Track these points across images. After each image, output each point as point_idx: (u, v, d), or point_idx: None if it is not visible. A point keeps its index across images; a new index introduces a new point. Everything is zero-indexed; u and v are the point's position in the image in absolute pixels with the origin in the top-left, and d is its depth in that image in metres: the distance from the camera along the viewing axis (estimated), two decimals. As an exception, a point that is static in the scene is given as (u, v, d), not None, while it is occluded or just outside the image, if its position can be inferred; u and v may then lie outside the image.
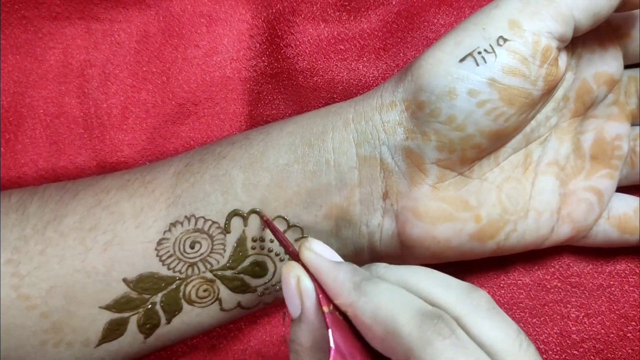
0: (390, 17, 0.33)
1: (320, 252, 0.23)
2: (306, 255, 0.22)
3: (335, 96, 0.33)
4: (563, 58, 0.27)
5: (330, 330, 0.20)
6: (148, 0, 0.33)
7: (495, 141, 0.26)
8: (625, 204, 0.30)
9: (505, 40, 0.25)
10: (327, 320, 0.20)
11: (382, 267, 0.22)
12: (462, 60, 0.25)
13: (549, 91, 0.27)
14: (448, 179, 0.27)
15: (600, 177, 0.29)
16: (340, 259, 0.23)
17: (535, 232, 0.28)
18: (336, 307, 0.22)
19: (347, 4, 0.33)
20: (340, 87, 0.33)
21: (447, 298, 0.21)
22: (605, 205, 0.30)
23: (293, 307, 0.22)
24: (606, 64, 0.29)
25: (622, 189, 0.31)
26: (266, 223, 0.26)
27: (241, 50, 0.33)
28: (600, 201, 0.29)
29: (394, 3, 0.33)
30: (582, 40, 0.29)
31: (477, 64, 0.25)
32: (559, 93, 0.29)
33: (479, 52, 0.25)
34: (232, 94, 0.33)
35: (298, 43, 0.33)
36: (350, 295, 0.21)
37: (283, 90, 0.33)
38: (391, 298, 0.21)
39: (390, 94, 0.27)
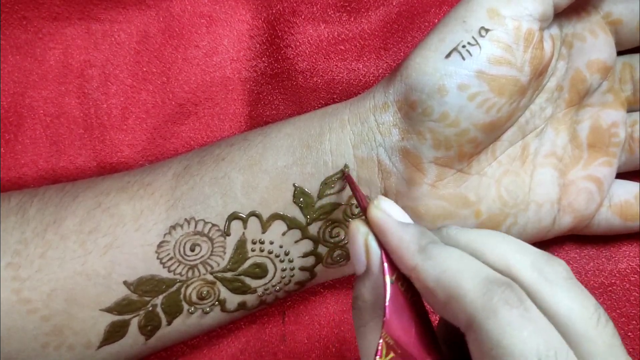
0: (391, 18, 0.33)
1: (388, 211, 0.21)
2: (374, 213, 0.21)
3: (335, 97, 0.33)
4: (548, 40, 0.27)
5: (387, 304, 0.20)
6: (148, 0, 0.33)
7: (490, 133, 0.26)
8: (625, 190, 0.30)
9: (486, 30, 0.25)
10: (387, 291, 0.20)
11: (453, 229, 0.21)
12: (447, 56, 0.25)
13: (536, 76, 0.27)
14: (447, 177, 0.27)
15: (598, 166, 0.29)
16: (409, 220, 0.22)
17: (536, 224, 0.28)
18: (400, 275, 0.21)
19: (347, 4, 0.33)
20: (340, 88, 0.33)
21: (521, 264, 0.20)
22: (606, 193, 0.30)
23: (359, 263, 0.21)
24: (598, 52, 0.29)
25: (622, 175, 0.31)
26: (347, 178, 0.26)
27: (241, 51, 0.33)
28: (600, 189, 0.29)
29: (394, 3, 0.33)
30: (572, 29, 0.29)
31: (463, 58, 0.25)
32: (552, 83, 0.29)
33: (463, 46, 0.25)
34: (232, 95, 0.33)
35: (298, 44, 0.33)
36: (414, 258, 0.20)
37: (283, 90, 0.33)
38: (457, 262, 0.19)
39: (382, 96, 0.27)
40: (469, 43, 0.25)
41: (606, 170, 0.30)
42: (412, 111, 0.26)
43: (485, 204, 0.27)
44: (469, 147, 0.26)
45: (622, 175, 0.31)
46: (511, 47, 0.25)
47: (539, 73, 0.27)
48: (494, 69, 0.25)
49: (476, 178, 0.27)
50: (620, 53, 0.30)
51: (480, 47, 0.25)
